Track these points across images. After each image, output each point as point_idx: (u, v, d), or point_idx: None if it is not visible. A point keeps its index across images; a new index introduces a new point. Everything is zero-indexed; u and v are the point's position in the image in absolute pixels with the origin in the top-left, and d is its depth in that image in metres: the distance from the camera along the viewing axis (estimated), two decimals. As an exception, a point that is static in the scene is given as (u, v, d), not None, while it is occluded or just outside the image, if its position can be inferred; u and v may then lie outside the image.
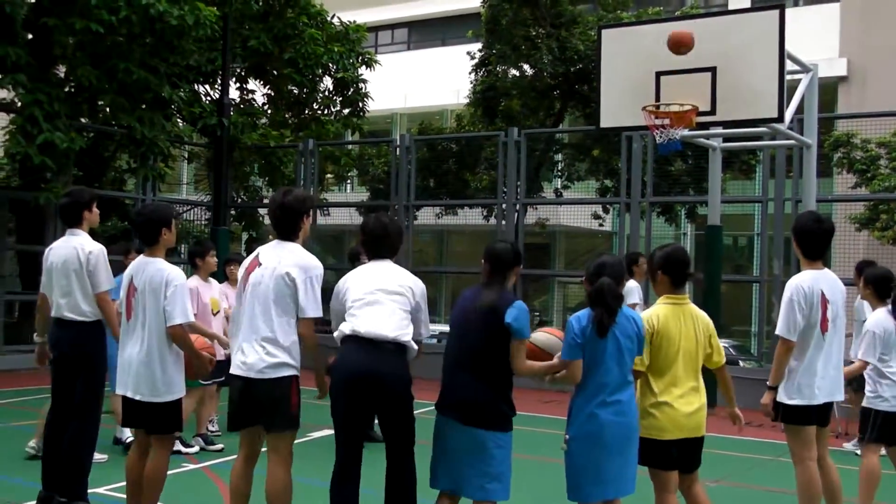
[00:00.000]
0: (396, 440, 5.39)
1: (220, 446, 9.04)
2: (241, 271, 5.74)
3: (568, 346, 5.14)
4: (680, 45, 9.21)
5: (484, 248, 5.42)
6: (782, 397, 6.06)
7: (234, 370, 5.50)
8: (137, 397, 5.93)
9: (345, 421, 5.34)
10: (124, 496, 6.16)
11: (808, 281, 6.03)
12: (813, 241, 6.14)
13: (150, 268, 5.99)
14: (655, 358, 5.35)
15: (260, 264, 5.53)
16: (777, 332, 6.09)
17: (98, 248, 6.62)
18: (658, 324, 5.35)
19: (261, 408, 5.44)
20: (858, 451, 8.46)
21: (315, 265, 5.52)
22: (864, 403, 6.75)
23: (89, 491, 6.77)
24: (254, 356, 5.38)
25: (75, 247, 6.62)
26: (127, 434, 8.78)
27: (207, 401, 9.25)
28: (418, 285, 5.55)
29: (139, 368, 5.91)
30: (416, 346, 5.41)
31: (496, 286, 5.24)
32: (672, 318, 5.38)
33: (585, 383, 5.15)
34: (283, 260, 5.46)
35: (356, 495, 5.38)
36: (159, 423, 6.01)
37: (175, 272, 5.99)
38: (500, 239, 5.45)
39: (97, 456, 7.25)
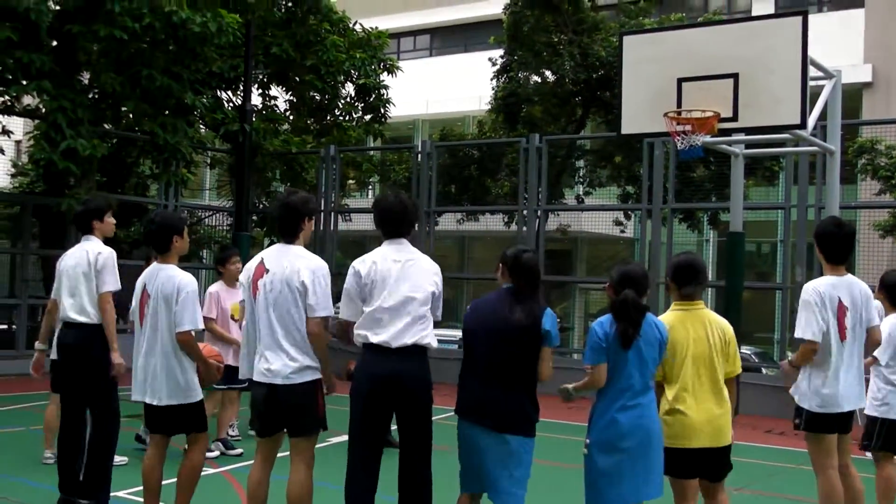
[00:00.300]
0: (414, 443, 5.39)
1: (239, 451, 9.06)
2: (243, 277, 5.76)
3: (591, 350, 5.16)
4: None
5: (504, 253, 5.42)
6: (804, 404, 6.02)
7: (258, 377, 5.51)
8: (156, 402, 5.98)
9: (364, 423, 5.35)
10: (142, 500, 6.18)
11: (825, 285, 6.01)
12: (834, 245, 6.11)
13: (163, 274, 6.05)
14: (665, 365, 5.31)
15: (267, 270, 5.54)
16: (796, 335, 6.01)
17: (108, 251, 6.83)
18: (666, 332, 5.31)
19: (288, 412, 5.47)
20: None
21: (321, 265, 5.56)
22: (869, 411, 6.70)
23: (112, 494, 6.84)
24: (278, 363, 5.40)
25: (86, 250, 6.84)
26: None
27: (227, 405, 9.27)
28: (437, 274, 5.58)
29: (157, 374, 5.97)
30: (435, 343, 5.47)
31: (532, 296, 5.25)
32: (679, 325, 5.33)
33: (607, 389, 5.16)
34: (292, 264, 5.48)
35: (372, 499, 5.40)
36: (185, 424, 6.09)
37: (186, 279, 6.04)
38: (521, 247, 5.39)
39: (117, 459, 7.28)
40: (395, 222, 5.60)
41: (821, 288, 5.98)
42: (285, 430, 5.58)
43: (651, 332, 5.17)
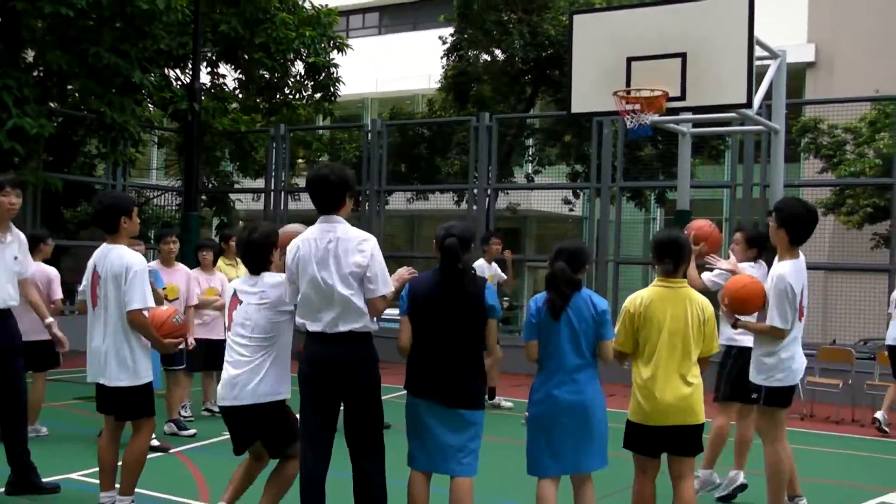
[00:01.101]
0: (362, 426, 5.36)
1: (192, 431, 9.08)
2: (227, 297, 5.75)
3: (525, 326, 5.38)
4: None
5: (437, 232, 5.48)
6: (769, 382, 6.11)
7: None
8: (105, 382, 5.99)
9: (310, 406, 5.37)
10: (97, 481, 6.20)
11: (797, 272, 6.08)
12: (803, 228, 6.13)
13: (112, 255, 6.03)
14: (640, 341, 5.36)
15: (240, 302, 5.56)
16: (775, 324, 6.02)
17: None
18: (640, 306, 5.36)
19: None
20: None
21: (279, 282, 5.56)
22: None
23: (64, 476, 7.00)
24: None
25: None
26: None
27: (175, 387, 9.27)
28: (364, 250, 5.26)
29: (107, 355, 5.96)
30: (372, 326, 5.35)
31: (465, 273, 5.34)
32: (658, 302, 5.34)
33: (544, 364, 5.33)
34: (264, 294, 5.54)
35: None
36: (130, 407, 6.08)
37: (135, 258, 6.02)
38: (449, 226, 5.39)
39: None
40: (318, 197, 5.43)
41: (791, 278, 6.02)
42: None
43: (585, 307, 5.26)
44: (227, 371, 5.53)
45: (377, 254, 5.30)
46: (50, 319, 7.06)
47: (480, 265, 10.63)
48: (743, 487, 7.13)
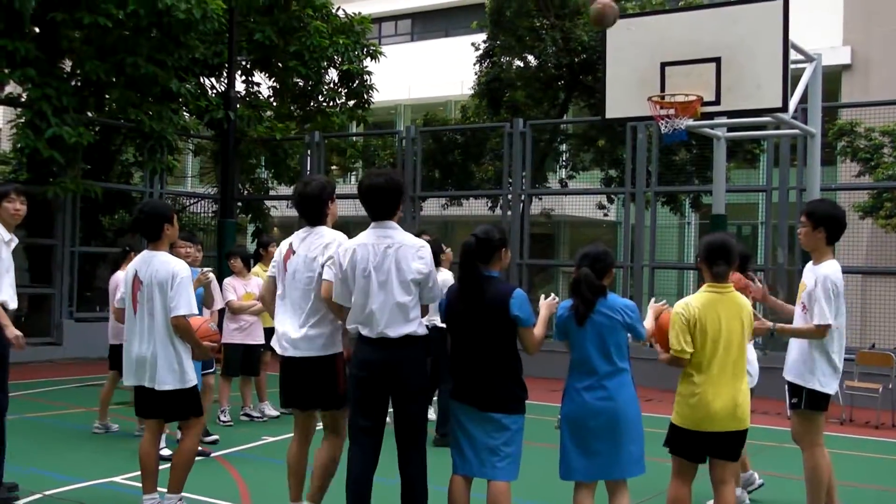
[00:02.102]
0: (409, 428, 5.47)
1: (214, 437, 9.03)
2: (276, 258, 5.97)
3: (555, 329, 5.44)
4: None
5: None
6: (812, 385, 6.10)
7: (282, 351, 5.79)
8: (155, 386, 6.07)
9: (360, 407, 5.46)
10: (139, 485, 6.28)
11: (837, 273, 6.08)
12: (838, 228, 6.17)
13: (156, 261, 6.14)
14: (694, 348, 5.33)
15: (294, 252, 5.79)
16: (826, 321, 5.96)
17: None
18: (694, 312, 5.34)
19: (310, 384, 5.77)
20: None
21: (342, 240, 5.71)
22: None
23: (107, 480, 7.15)
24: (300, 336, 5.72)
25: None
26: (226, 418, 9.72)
27: (205, 391, 9.35)
28: (423, 257, 5.38)
29: (151, 359, 6.05)
30: (423, 330, 5.45)
31: (492, 278, 5.32)
32: (710, 308, 5.34)
33: (574, 367, 5.33)
34: (313, 245, 5.73)
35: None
36: (180, 409, 6.20)
37: (180, 265, 6.15)
38: (475, 232, 5.35)
39: None
40: (372, 204, 5.48)
41: (836, 277, 6.04)
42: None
43: (613, 314, 5.24)
44: (282, 323, 5.75)
45: (432, 260, 5.47)
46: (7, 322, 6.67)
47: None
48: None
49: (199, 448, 8.03)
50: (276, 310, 5.89)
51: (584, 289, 5.24)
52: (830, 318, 5.97)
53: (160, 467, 6.26)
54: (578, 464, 5.28)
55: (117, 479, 7.34)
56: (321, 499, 5.74)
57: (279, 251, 5.94)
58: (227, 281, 9.78)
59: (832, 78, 24.53)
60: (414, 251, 5.38)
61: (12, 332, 6.49)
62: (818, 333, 6.04)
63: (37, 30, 15.01)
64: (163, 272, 6.07)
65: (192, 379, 6.18)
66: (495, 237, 5.34)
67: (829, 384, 6.11)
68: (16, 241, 6.80)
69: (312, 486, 5.74)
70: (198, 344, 6.20)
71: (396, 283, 5.32)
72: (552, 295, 5.56)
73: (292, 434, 5.98)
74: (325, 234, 5.79)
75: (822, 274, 6.09)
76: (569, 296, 5.40)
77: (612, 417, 5.20)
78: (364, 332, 5.39)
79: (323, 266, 5.62)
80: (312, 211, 5.84)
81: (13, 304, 6.63)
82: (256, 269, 10.38)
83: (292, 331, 5.69)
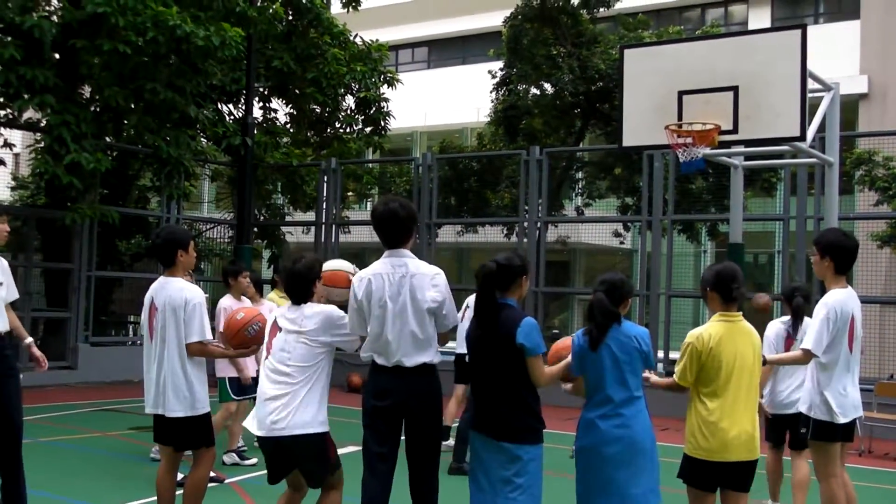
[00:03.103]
0: (423, 457, 5.46)
1: (253, 460, 9.07)
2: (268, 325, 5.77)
3: (572, 361, 5.32)
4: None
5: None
6: (813, 414, 6.13)
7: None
8: (165, 413, 6.05)
9: (373, 436, 5.45)
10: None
11: (842, 300, 6.09)
12: (846, 256, 6.18)
13: (170, 287, 6.13)
14: (706, 377, 5.30)
15: (280, 329, 5.56)
16: (805, 345, 6.10)
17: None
18: (709, 342, 5.30)
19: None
20: None
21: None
22: None
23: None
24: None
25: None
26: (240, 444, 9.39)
27: (241, 416, 9.33)
28: (438, 284, 5.41)
29: (164, 386, 6.04)
30: (437, 358, 5.46)
31: (507, 306, 5.25)
32: (727, 338, 5.31)
33: (590, 396, 5.28)
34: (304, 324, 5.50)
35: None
36: (190, 437, 6.15)
37: (193, 291, 6.12)
38: (493, 260, 5.30)
39: None
40: (386, 231, 5.48)
41: (838, 306, 6.06)
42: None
43: (628, 342, 5.20)
44: (264, 401, 5.49)
45: (447, 287, 5.44)
46: (29, 339, 6.79)
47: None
48: None
49: (213, 474, 8.03)
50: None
51: (597, 313, 5.21)
52: (811, 344, 6.02)
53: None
54: (594, 494, 5.19)
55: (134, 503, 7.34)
56: None
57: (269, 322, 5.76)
58: (221, 303, 9.50)
59: (850, 107, 24.52)
60: (429, 279, 5.39)
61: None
62: (804, 358, 6.11)
63: (56, 56, 15.13)
64: (177, 298, 6.06)
65: (203, 407, 6.13)
66: (516, 264, 5.30)
67: (827, 414, 6.08)
68: (4, 262, 6.63)
69: None
70: (223, 356, 6.18)
71: (412, 312, 5.33)
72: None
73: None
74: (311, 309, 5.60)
75: (822, 301, 6.13)
76: (584, 322, 5.37)
77: (630, 446, 5.15)
78: (380, 360, 5.38)
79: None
80: (298, 289, 5.62)
81: (4, 327, 6.43)
82: (272, 294, 10.35)
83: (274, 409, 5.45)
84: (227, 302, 9.25)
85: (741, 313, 5.48)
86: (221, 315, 9.06)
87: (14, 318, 6.72)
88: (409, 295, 5.33)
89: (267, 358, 5.58)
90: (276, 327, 5.61)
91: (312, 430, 5.42)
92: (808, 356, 6.09)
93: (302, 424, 5.39)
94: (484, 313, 5.24)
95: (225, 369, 9.15)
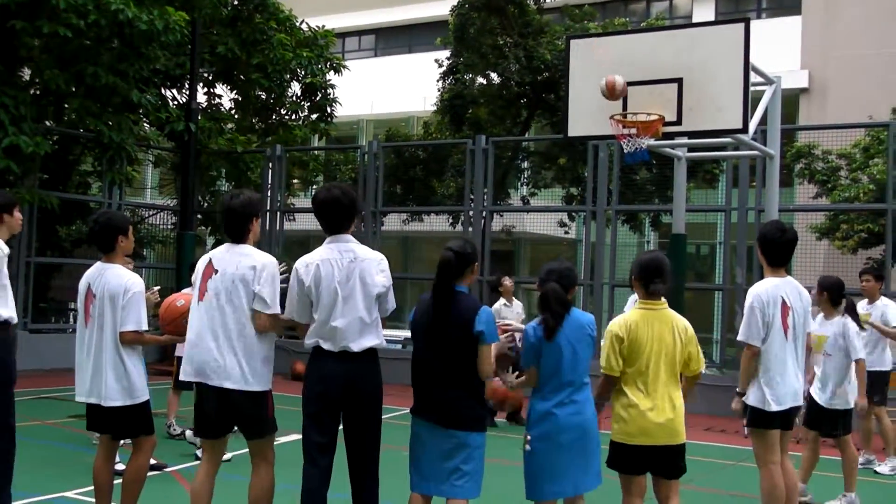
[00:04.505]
0: (363, 443, 5.43)
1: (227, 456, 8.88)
2: (193, 277, 5.68)
3: (525, 352, 5.36)
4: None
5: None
6: (748, 401, 6.23)
7: (207, 380, 5.46)
8: (100, 402, 5.92)
9: (314, 423, 5.40)
10: (92, 500, 6.17)
11: (769, 288, 6.22)
12: (776, 250, 6.32)
13: (109, 274, 6.00)
14: (626, 363, 5.38)
15: (216, 270, 5.47)
16: (739, 338, 6.28)
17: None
18: (626, 330, 5.38)
19: (241, 417, 5.51)
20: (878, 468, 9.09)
21: (271, 261, 5.50)
22: None
23: (59, 495, 6.96)
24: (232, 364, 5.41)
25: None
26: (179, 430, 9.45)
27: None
28: (384, 269, 5.44)
29: (103, 374, 5.91)
30: (383, 343, 5.45)
31: (462, 293, 5.30)
32: (643, 325, 5.38)
33: (543, 384, 5.33)
34: (240, 263, 5.43)
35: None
36: (129, 426, 6.05)
37: (133, 279, 6.00)
38: (449, 245, 5.38)
39: None
40: (328, 217, 5.46)
41: (763, 293, 6.20)
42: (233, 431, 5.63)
43: (581, 328, 5.32)
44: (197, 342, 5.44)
45: (388, 273, 5.49)
46: None
47: (498, 308, 11.49)
48: None
49: (154, 462, 7.93)
50: (188, 331, 5.57)
51: (553, 303, 5.28)
52: (741, 334, 6.22)
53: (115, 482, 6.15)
54: (547, 482, 5.26)
55: (69, 493, 7.22)
56: None
57: (198, 267, 5.64)
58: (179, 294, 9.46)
59: (790, 101, 24.88)
60: (376, 264, 5.41)
61: None
62: (745, 350, 6.26)
63: (-6, 37, 14.82)
64: (115, 285, 5.93)
65: (142, 395, 6.00)
66: (469, 252, 5.36)
67: (761, 401, 6.18)
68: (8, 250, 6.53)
69: None
70: (160, 342, 6.18)
71: (361, 297, 5.32)
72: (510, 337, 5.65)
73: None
74: (254, 255, 5.52)
75: (748, 291, 6.37)
76: (538, 311, 5.39)
77: (583, 432, 5.26)
78: (325, 346, 5.33)
79: (255, 296, 5.40)
80: (235, 226, 5.55)
81: (15, 318, 6.40)
82: None
83: (218, 357, 5.40)
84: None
85: (665, 302, 5.55)
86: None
87: None
88: (358, 280, 5.32)
89: (200, 300, 5.50)
90: (210, 268, 5.51)
91: (260, 388, 5.45)
92: (748, 349, 6.20)
93: (251, 381, 5.41)
94: (441, 301, 5.28)
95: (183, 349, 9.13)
